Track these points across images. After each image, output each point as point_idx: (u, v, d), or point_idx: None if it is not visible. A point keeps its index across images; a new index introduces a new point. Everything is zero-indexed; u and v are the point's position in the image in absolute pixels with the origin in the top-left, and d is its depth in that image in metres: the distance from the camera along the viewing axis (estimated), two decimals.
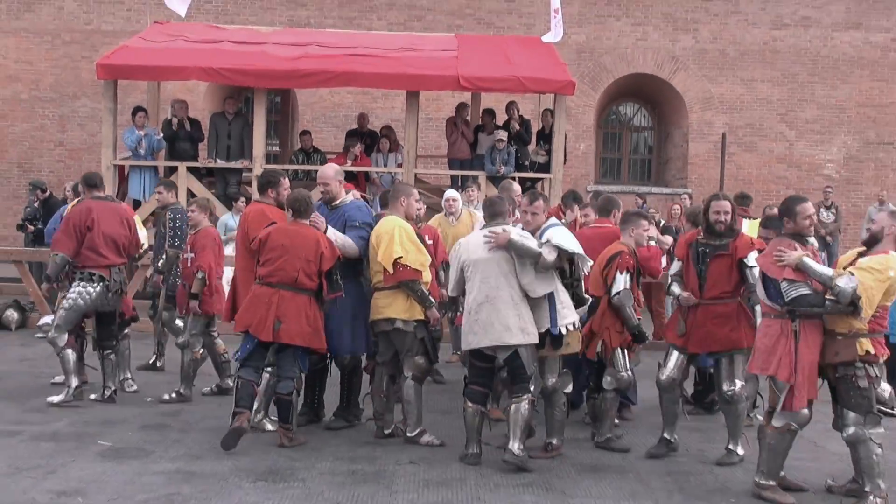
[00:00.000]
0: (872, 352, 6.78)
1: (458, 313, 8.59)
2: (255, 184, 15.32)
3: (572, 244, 7.75)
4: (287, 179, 8.57)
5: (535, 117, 17.32)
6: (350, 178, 15.64)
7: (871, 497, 6.70)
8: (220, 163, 15.79)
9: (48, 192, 15.83)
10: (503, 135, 15.69)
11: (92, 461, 7.41)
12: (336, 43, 16.44)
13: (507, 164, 15.45)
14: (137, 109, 16.01)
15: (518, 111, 16.65)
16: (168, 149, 15.96)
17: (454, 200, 11.00)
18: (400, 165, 15.88)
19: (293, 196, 8.24)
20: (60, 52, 21.87)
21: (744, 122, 22.29)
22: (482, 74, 15.39)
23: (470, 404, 7.77)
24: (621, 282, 8.06)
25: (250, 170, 15.51)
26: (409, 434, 8.19)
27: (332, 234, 8.15)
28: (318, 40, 16.63)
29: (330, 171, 8.68)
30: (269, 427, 8.37)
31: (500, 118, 16.67)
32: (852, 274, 6.64)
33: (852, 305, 6.58)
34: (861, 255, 6.97)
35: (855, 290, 6.54)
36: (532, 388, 7.64)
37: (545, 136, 16.31)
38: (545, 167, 15.82)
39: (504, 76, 15.30)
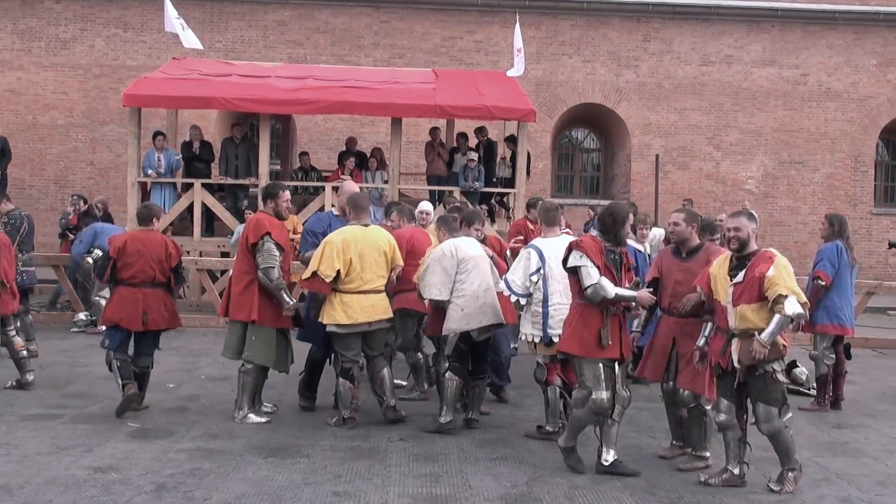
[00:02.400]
0: (784, 344, 6.37)
1: None
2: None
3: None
4: (287, 192, 8.31)
5: (500, 140, 17.31)
6: None
7: (790, 473, 6.45)
8: (230, 180, 15.69)
9: (88, 205, 15.65)
10: (474, 155, 15.69)
11: (123, 441, 7.27)
12: (330, 76, 16.32)
13: (477, 180, 15.42)
14: (157, 134, 15.93)
15: (486, 135, 16.66)
16: (185, 167, 15.84)
17: (427, 214, 10.50)
18: (386, 182, 15.82)
19: (139, 208, 8.94)
20: (91, 84, 21.61)
21: (677, 145, 22.30)
22: (456, 104, 15.31)
23: (454, 377, 7.84)
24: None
25: (256, 185, 15.40)
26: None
27: None
28: (315, 74, 16.50)
29: (353, 187, 9.01)
30: (256, 419, 8.01)
31: (472, 141, 16.67)
32: (784, 295, 6.12)
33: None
34: (739, 259, 6.41)
35: (799, 308, 6.16)
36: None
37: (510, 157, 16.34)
38: (511, 182, 15.80)
39: (475, 105, 15.22)
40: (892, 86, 22.55)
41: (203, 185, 15.26)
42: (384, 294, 8.09)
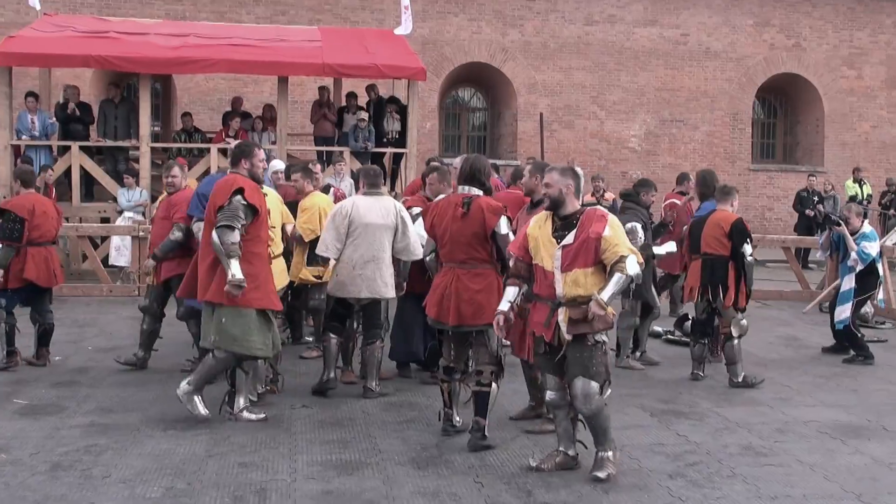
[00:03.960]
0: (613, 313, 5.69)
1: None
2: (143, 161, 14.69)
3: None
4: (262, 152, 7.22)
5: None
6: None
7: (608, 454, 5.77)
8: (109, 142, 15.06)
9: None
10: (364, 115, 15.48)
11: (10, 419, 6.88)
12: (212, 34, 15.78)
13: (368, 140, 15.20)
14: (29, 94, 15.09)
15: (377, 93, 16.44)
16: (62, 130, 15.10)
17: (278, 173, 9.98)
18: (274, 143, 15.43)
19: (24, 171, 9.16)
20: None
21: (563, 104, 22.48)
22: (345, 62, 14.99)
23: (333, 337, 7.77)
24: None
25: (137, 148, 14.94)
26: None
27: None
28: (197, 31, 15.94)
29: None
30: (250, 416, 7.01)
31: (361, 100, 16.45)
32: (623, 256, 5.55)
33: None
34: (564, 219, 5.74)
35: (638, 269, 5.64)
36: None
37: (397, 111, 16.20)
38: (401, 143, 15.64)
39: (364, 63, 14.95)
40: (768, 45, 23.21)
41: (81, 147, 14.60)
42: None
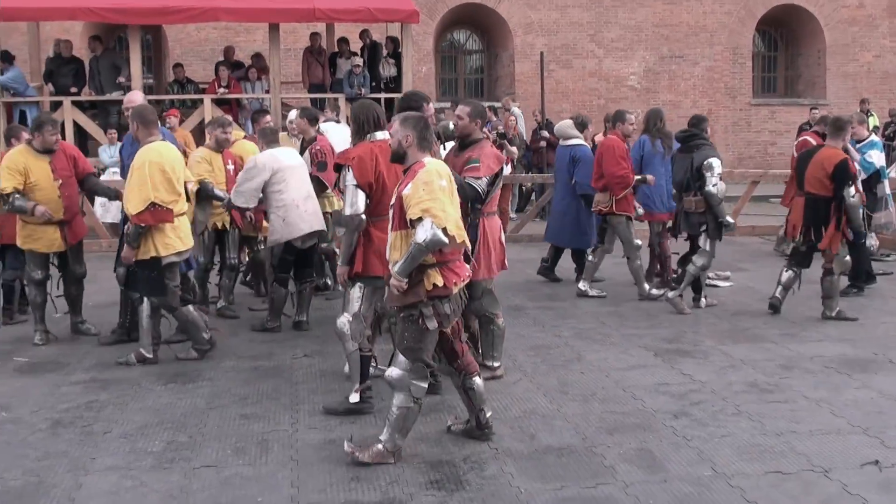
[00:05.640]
0: (441, 284, 4.94)
1: None
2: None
3: None
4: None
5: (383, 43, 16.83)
6: (223, 103, 14.99)
7: (380, 447, 5.06)
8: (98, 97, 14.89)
9: None
10: (359, 60, 15.26)
11: (11, 377, 6.86)
12: None
13: (363, 86, 15.01)
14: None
15: (370, 38, 16.20)
16: (54, 85, 14.90)
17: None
18: (267, 91, 15.26)
19: (10, 128, 8.86)
20: None
21: (560, 43, 22.18)
22: (336, 6, 14.72)
23: (280, 287, 8.09)
24: None
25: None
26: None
27: None
28: None
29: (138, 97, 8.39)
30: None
31: (353, 46, 16.20)
32: (412, 219, 4.83)
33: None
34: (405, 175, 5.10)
35: (435, 233, 4.77)
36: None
37: (391, 55, 15.99)
38: (397, 88, 15.42)
39: (356, 7, 14.66)
40: None
41: (73, 103, 14.42)
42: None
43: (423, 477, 4.89)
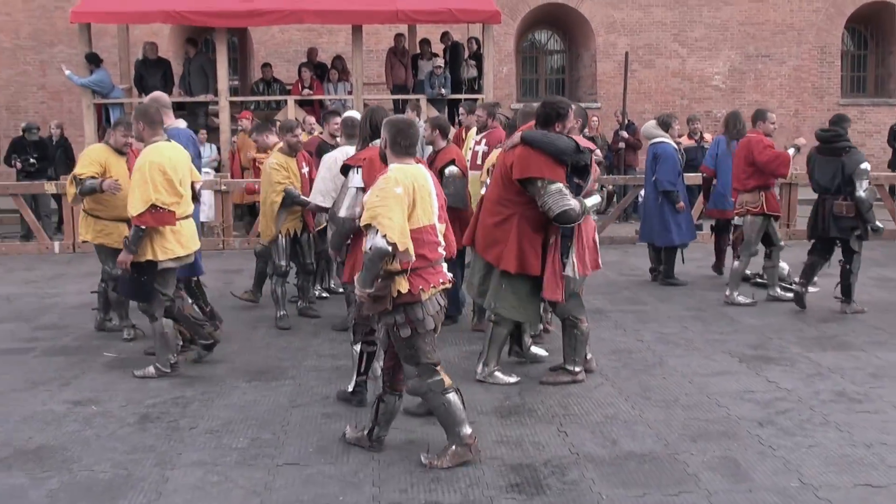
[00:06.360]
0: (406, 290, 4.90)
1: None
2: (223, 115, 14.83)
3: None
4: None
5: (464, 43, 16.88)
6: (305, 104, 15.20)
7: (452, 447, 5.08)
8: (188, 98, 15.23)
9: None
10: (440, 61, 15.31)
11: (101, 372, 7.03)
12: None
13: (444, 87, 15.06)
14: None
15: (451, 39, 16.25)
16: (140, 86, 15.26)
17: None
18: (350, 92, 15.42)
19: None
20: (36, 4, 20.73)
21: (643, 43, 21.90)
22: (418, 8, 14.84)
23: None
24: None
25: (216, 102, 15.09)
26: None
27: None
28: None
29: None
30: (503, 378, 6.72)
31: (435, 47, 16.28)
32: (369, 225, 4.83)
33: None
34: None
35: (376, 241, 4.74)
36: None
37: (472, 57, 16.01)
38: (478, 89, 15.45)
39: (438, 9, 14.75)
40: None
41: None
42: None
43: (503, 480, 4.88)
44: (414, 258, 4.87)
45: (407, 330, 4.96)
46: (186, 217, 6.91)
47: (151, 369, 6.89)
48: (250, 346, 7.73)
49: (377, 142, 5.91)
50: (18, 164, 15.01)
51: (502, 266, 6.42)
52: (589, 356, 6.88)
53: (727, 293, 9.36)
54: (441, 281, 5.08)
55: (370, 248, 4.77)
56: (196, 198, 7.19)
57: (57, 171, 14.87)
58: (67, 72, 15.07)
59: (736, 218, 9.94)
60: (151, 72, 15.24)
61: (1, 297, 10.04)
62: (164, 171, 6.60)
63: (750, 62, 22.22)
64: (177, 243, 6.79)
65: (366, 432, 5.38)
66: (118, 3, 14.57)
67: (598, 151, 7.03)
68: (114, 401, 6.31)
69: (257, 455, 5.26)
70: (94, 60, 14.82)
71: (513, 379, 6.63)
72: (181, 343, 7.35)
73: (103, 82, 14.81)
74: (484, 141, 8.63)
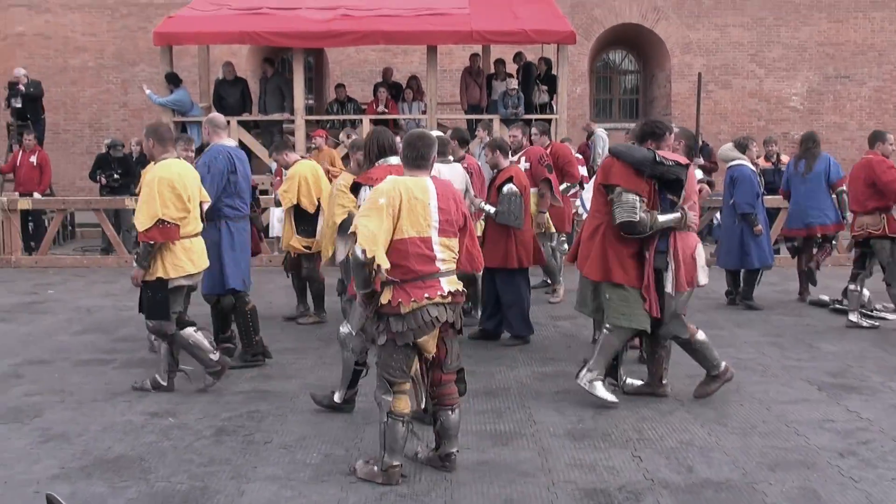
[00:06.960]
0: (387, 301, 4.97)
1: None
2: (298, 134, 15.03)
3: None
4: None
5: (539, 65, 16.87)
6: (381, 123, 15.31)
7: (375, 468, 5.15)
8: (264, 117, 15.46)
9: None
10: (514, 82, 15.34)
11: (177, 385, 7.13)
12: (362, 6, 15.83)
13: (518, 107, 15.08)
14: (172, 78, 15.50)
15: (524, 59, 16.27)
16: (219, 105, 15.57)
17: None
18: (424, 112, 15.52)
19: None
20: (120, 24, 21.38)
21: (719, 63, 21.69)
22: (493, 28, 14.91)
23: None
24: None
25: (292, 121, 15.30)
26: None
27: None
28: (346, 4, 16.03)
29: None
30: (603, 394, 6.61)
31: (509, 67, 16.30)
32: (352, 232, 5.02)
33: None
34: None
35: (353, 249, 4.89)
36: None
37: (544, 79, 15.99)
38: (551, 110, 15.44)
39: (513, 29, 14.80)
40: None
41: (238, 122, 15.03)
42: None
43: None
44: (388, 266, 4.86)
45: (383, 339, 5.04)
46: (196, 235, 6.98)
47: (209, 378, 6.99)
48: (322, 362, 7.79)
49: (385, 160, 6.34)
50: (103, 180, 15.45)
51: (586, 272, 6.57)
52: (665, 380, 6.80)
53: (850, 317, 9.36)
54: (427, 296, 4.95)
55: (350, 255, 4.93)
56: (202, 218, 7.15)
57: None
58: (148, 91, 15.47)
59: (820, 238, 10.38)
60: (230, 91, 15.56)
61: (82, 309, 10.31)
62: (173, 186, 6.69)
63: (829, 83, 21.84)
64: (188, 261, 6.85)
65: (436, 453, 5.38)
66: (199, 24, 14.91)
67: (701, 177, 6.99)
68: (190, 413, 6.42)
69: (331, 471, 5.29)
70: (173, 80, 15.16)
71: (610, 398, 6.52)
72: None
73: (182, 102, 15.13)
74: (523, 158, 9.42)
